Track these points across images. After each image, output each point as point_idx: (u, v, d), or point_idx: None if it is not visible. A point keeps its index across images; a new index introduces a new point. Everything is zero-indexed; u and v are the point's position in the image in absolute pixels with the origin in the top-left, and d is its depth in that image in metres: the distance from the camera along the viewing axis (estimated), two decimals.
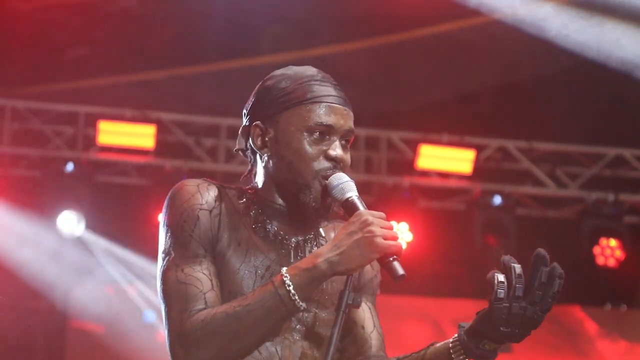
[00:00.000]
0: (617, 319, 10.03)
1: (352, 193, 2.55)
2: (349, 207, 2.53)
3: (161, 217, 2.65)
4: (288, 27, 9.23)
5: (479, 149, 9.58)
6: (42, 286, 9.14)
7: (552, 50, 8.88)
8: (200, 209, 2.59)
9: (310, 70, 2.67)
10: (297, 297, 2.45)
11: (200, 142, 9.50)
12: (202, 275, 2.54)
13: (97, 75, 9.50)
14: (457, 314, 8.81)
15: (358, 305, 2.51)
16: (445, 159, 9.51)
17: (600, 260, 9.50)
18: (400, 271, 2.44)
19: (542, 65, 9.85)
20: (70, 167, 9.14)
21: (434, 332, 9.14)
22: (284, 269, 2.48)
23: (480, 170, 9.58)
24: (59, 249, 9.13)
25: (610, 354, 9.92)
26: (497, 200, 9.53)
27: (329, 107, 2.61)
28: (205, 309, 2.50)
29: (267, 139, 2.64)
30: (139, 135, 9.23)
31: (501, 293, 2.40)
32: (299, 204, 2.60)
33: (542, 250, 2.44)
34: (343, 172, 2.60)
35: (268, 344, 2.54)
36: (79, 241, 9.15)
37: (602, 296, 9.96)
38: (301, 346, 2.58)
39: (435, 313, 9.43)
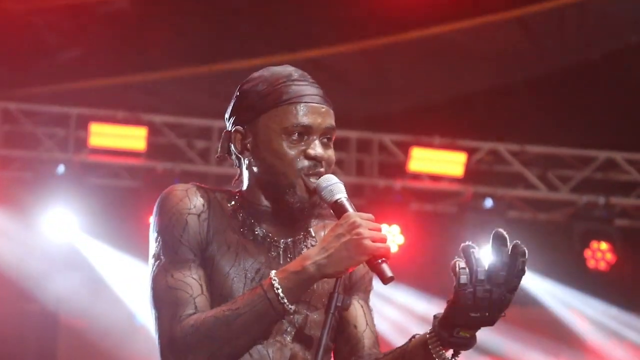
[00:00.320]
0: (608, 322, 10.05)
1: (341, 195, 2.55)
2: (338, 209, 2.53)
3: (151, 222, 2.66)
4: (280, 29, 9.23)
5: (470, 151, 9.59)
6: (33, 288, 9.13)
7: (544, 53, 8.90)
8: (189, 214, 2.59)
9: (287, 70, 2.66)
10: (286, 301, 2.45)
11: (192, 144, 9.50)
12: (191, 280, 2.54)
13: (89, 77, 9.49)
14: None
15: (347, 307, 2.50)
16: (437, 161, 9.53)
17: (591, 264, 9.52)
18: (389, 273, 2.44)
19: (534, 68, 9.87)
20: (61, 169, 9.13)
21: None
22: (273, 272, 2.48)
23: (471, 173, 9.59)
24: (50, 251, 9.12)
25: (604, 355, 9.94)
26: (489, 203, 9.54)
27: (306, 106, 2.60)
28: (195, 313, 2.50)
29: (247, 143, 2.64)
30: (130, 137, 9.23)
31: (464, 279, 2.39)
32: (285, 205, 2.60)
33: (499, 230, 2.42)
34: (327, 170, 2.60)
35: (259, 347, 2.54)
36: (70, 243, 9.14)
37: (593, 299, 9.97)
38: (292, 348, 2.58)
39: (426, 315, 9.44)
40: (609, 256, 9.52)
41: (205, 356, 2.47)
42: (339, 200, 2.54)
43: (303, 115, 2.60)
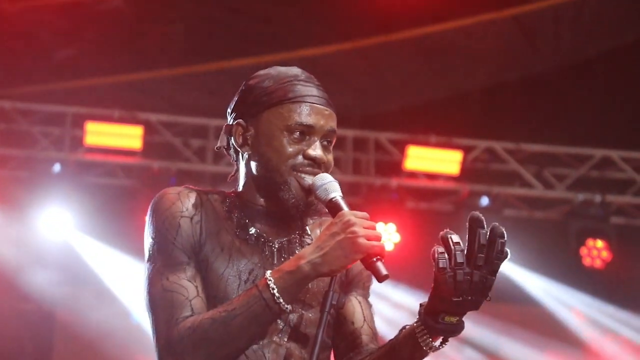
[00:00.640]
0: (604, 319, 10.06)
1: (336, 193, 2.55)
2: (333, 208, 2.53)
3: (145, 225, 2.66)
4: (276, 28, 9.23)
5: (466, 150, 9.60)
6: (29, 287, 9.12)
7: (539, 52, 8.91)
8: (182, 217, 2.60)
9: (293, 71, 2.68)
10: (281, 300, 2.45)
11: (187, 143, 9.50)
12: (187, 283, 2.54)
13: (85, 76, 9.49)
14: None
15: (342, 306, 2.50)
16: (433, 160, 9.54)
17: (587, 261, 9.53)
18: (384, 271, 2.44)
19: (530, 66, 9.87)
20: (57, 167, 9.13)
21: None
22: (268, 273, 2.48)
23: (467, 172, 9.60)
24: (46, 250, 9.11)
25: (600, 353, 9.95)
26: (485, 201, 9.55)
27: (311, 107, 2.62)
28: (191, 316, 2.50)
29: (248, 136, 2.65)
30: (126, 136, 9.23)
31: (442, 263, 2.39)
32: (279, 202, 2.61)
33: (475, 213, 2.42)
34: (326, 173, 2.60)
35: (255, 347, 2.54)
36: (66, 242, 9.14)
37: (589, 297, 9.98)
38: (288, 347, 2.58)
39: None
40: (605, 254, 9.53)
41: (202, 358, 2.47)
42: (333, 199, 2.54)
43: (307, 114, 2.61)
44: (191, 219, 2.61)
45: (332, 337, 2.68)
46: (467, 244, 2.39)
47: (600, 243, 9.54)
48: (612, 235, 9.58)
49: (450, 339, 2.50)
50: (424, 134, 9.54)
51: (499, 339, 9.75)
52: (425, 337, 2.47)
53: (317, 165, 2.61)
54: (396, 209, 9.33)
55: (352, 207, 2.54)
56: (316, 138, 2.62)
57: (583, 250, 9.53)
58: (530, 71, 9.93)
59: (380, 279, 2.45)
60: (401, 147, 9.54)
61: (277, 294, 2.45)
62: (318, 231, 2.70)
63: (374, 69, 9.82)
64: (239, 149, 2.67)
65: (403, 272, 8.47)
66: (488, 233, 2.39)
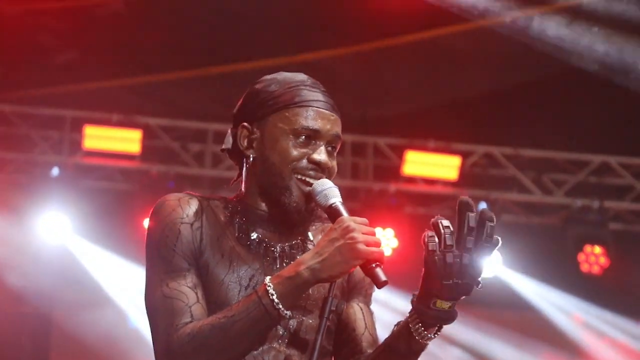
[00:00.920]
0: (602, 325, 10.06)
1: (336, 199, 2.55)
2: (332, 213, 2.53)
3: (145, 232, 2.67)
4: (275, 33, 9.24)
5: (464, 155, 9.61)
6: (27, 290, 9.12)
7: (538, 57, 8.91)
8: (182, 223, 2.60)
9: (300, 76, 2.69)
10: (281, 306, 2.45)
11: (186, 147, 9.50)
12: (187, 289, 2.54)
13: (84, 80, 9.49)
14: None
15: (341, 312, 2.50)
16: (431, 165, 9.54)
17: (584, 267, 9.53)
18: (383, 277, 2.44)
19: (528, 72, 9.88)
20: (55, 171, 9.13)
21: None
22: (268, 279, 2.48)
23: (466, 177, 9.61)
24: (44, 253, 9.11)
25: (598, 359, 9.95)
26: (483, 206, 9.53)
27: (317, 111, 2.63)
28: (191, 322, 2.50)
29: (253, 139, 2.66)
30: (125, 140, 9.23)
31: (432, 245, 2.40)
32: (281, 207, 2.61)
33: (465, 198, 2.43)
34: (329, 179, 2.61)
35: (255, 353, 2.54)
36: (64, 245, 9.13)
37: (587, 303, 9.98)
38: (287, 353, 2.58)
39: None
40: (603, 260, 9.53)
41: None
42: (333, 205, 2.54)
43: (313, 119, 2.62)
44: (191, 225, 2.61)
45: (333, 343, 2.67)
46: (456, 228, 2.40)
47: (598, 249, 9.54)
48: (610, 241, 9.58)
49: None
50: (422, 139, 9.55)
51: (496, 344, 9.75)
52: (418, 326, 2.47)
53: (321, 170, 2.61)
54: (394, 214, 9.33)
55: (350, 212, 2.54)
56: (321, 143, 2.63)
57: (581, 256, 9.53)
58: (529, 77, 9.94)
59: (379, 285, 2.45)
60: (399, 152, 9.55)
61: (276, 300, 2.45)
62: (319, 237, 2.69)
63: (372, 73, 9.83)
64: (243, 152, 2.67)
65: (400, 277, 8.47)
66: (477, 216, 2.38)
